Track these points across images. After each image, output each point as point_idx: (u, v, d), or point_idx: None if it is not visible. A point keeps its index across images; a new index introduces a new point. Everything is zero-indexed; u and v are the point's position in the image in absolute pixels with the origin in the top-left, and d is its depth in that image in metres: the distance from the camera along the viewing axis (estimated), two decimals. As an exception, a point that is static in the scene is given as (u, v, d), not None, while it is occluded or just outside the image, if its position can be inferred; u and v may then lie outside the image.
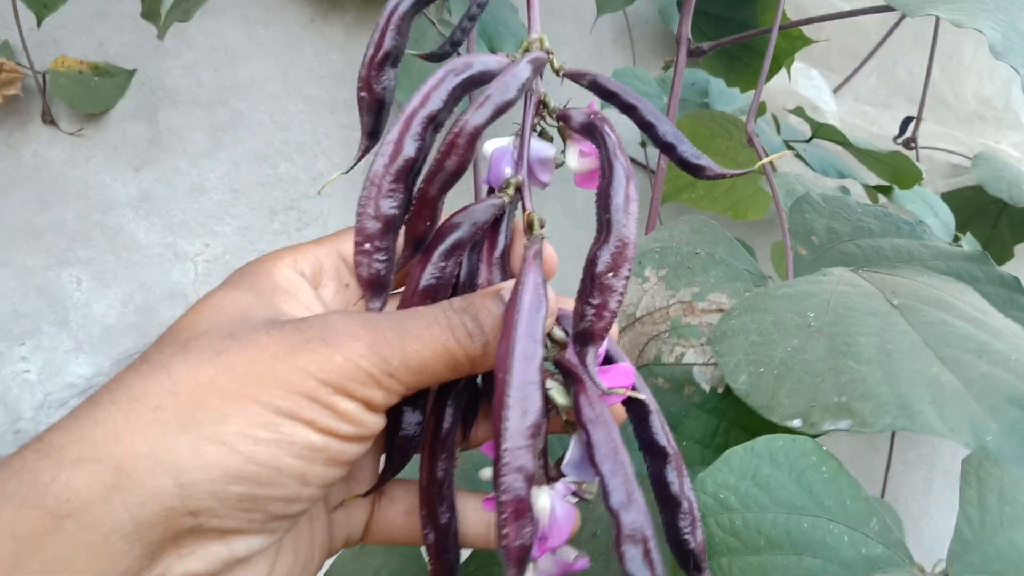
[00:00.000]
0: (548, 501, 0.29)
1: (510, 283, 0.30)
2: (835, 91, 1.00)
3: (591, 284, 0.29)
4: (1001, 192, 0.86)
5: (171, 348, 0.27)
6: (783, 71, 0.84)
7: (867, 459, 1.01)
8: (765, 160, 0.32)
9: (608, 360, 0.32)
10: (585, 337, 0.29)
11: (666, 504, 0.32)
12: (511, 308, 0.27)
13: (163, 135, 0.85)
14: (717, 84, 0.85)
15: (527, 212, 0.32)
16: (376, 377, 0.27)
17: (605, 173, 0.30)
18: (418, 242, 0.32)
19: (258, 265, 0.32)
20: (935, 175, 1.02)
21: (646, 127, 0.32)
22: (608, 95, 0.33)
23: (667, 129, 0.32)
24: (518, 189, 0.32)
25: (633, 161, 0.91)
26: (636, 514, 0.27)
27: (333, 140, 0.91)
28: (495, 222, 0.33)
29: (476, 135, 0.30)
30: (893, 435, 0.96)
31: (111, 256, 0.82)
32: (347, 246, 0.33)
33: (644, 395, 0.32)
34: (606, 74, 0.34)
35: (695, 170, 0.32)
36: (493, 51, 0.90)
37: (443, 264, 0.32)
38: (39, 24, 0.76)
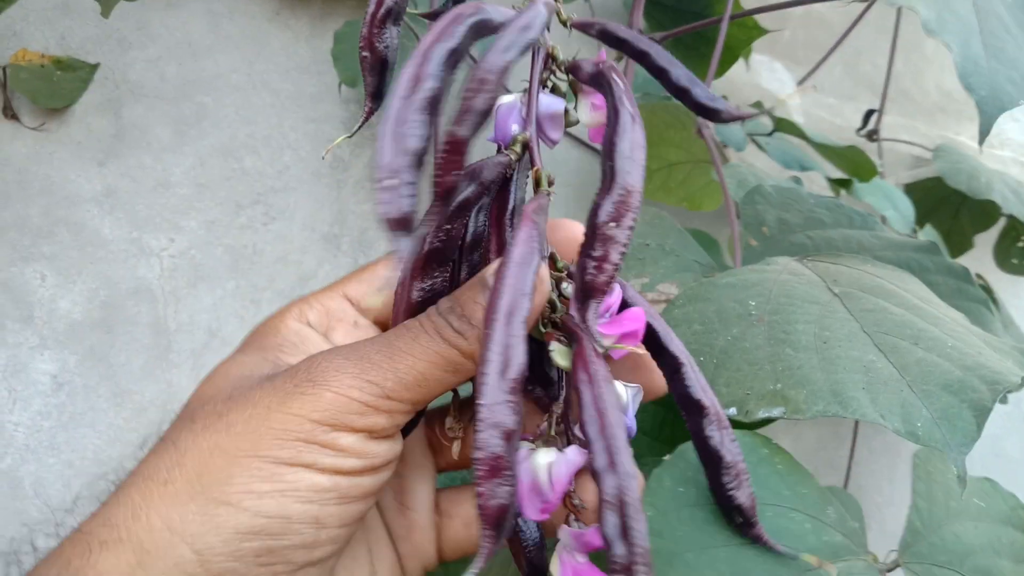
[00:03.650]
0: (546, 459, 0.28)
1: (494, 265, 0.29)
2: (800, 83, 1.01)
3: (593, 235, 0.28)
4: (960, 184, 0.87)
5: (180, 422, 0.28)
6: (742, 62, 0.84)
7: (832, 448, 1.02)
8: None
9: (625, 307, 0.31)
10: (586, 292, 0.28)
11: (707, 460, 0.30)
12: (501, 264, 0.27)
13: (127, 130, 0.85)
14: (680, 77, 0.85)
15: (535, 168, 0.31)
16: (371, 404, 0.27)
17: (611, 120, 0.29)
18: (448, 192, 0.29)
19: (265, 324, 0.32)
20: (898, 167, 1.04)
21: (659, 73, 0.31)
22: (618, 43, 0.32)
23: (681, 74, 0.31)
24: (526, 146, 0.31)
25: (596, 152, 0.91)
26: (617, 479, 0.26)
27: (300, 133, 0.91)
28: (505, 183, 0.32)
29: (505, 71, 0.28)
30: (856, 424, 0.97)
31: (76, 252, 0.82)
32: (353, 289, 0.33)
33: (672, 346, 0.30)
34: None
35: (711, 114, 0.31)
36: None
37: (448, 226, 0.31)
38: (-2, 18, 0.76)
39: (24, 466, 0.77)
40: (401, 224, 0.28)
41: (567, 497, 0.30)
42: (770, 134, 0.87)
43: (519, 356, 0.26)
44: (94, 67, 0.83)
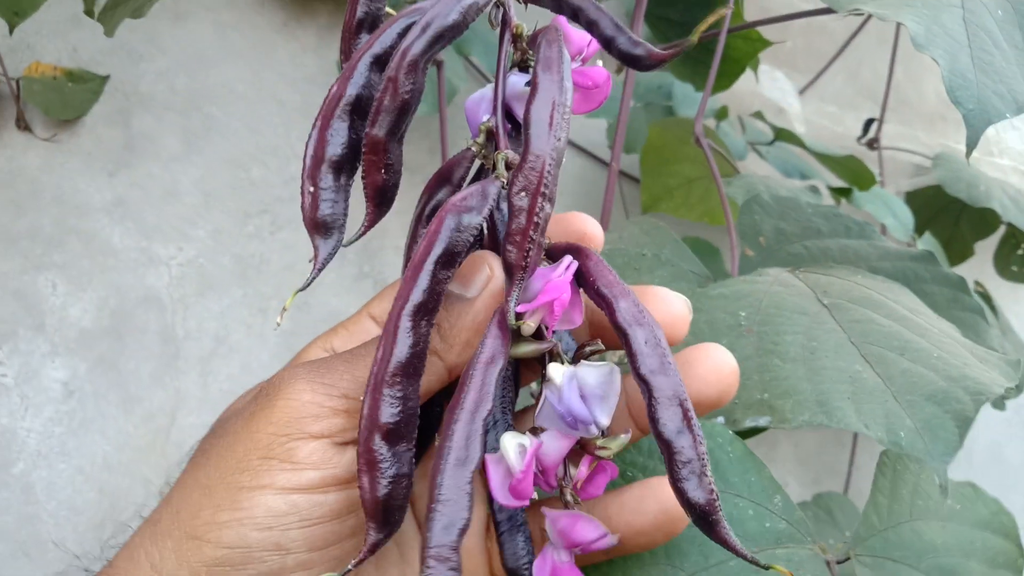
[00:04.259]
0: (513, 442, 0.27)
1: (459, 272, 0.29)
2: (802, 92, 1.02)
3: (508, 211, 0.27)
4: (960, 192, 0.88)
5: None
6: (750, 73, 0.85)
7: (833, 454, 1.03)
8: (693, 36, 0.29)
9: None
10: (507, 270, 0.27)
11: (661, 447, 0.27)
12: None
13: (137, 140, 0.86)
14: (681, 88, 0.86)
15: (497, 151, 0.30)
16: (327, 404, 0.27)
17: (533, 86, 0.28)
18: (378, 194, 0.29)
19: (294, 357, 0.33)
20: (898, 175, 1.04)
21: (590, 26, 0.31)
22: (559, 6, 0.32)
23: (607, 23, 0.31)
24: (490, 134, 0.30)
25: (598, 160, 0.92)
26: (436, 467, 0.24)
27: (306, 144, 0.92)
28: (485, 176, 0.31)
29: (414, 65, 0.28)
30: (856, 430, 0.97)
31: (86, 260, 0.84)
32: (376, 308, 0.33)
33: (620, 315, 0.27)
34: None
35: (634, 61, 0.30)
36: (465, 56, 0.91)
37: (424, 231, 0.30)
38: (11, 31, 0.77)
39: (35, 471, 0.78)
40: (318, 227, 0.29)
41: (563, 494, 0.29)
42: (771, 143, 0.88)
43: (399, 349, 0.25)
44: (104, 79, 0.84)
